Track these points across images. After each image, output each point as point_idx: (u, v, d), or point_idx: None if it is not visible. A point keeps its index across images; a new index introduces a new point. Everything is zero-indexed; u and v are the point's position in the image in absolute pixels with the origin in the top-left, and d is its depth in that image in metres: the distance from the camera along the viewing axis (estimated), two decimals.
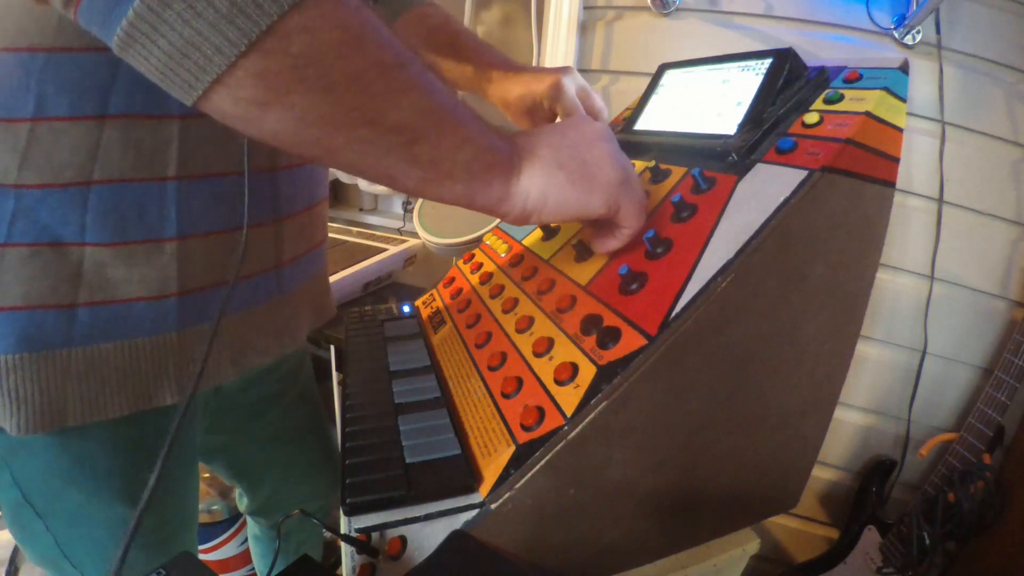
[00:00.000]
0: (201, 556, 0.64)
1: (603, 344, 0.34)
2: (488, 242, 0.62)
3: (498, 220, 0.86)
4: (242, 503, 0.75)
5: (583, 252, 0.44)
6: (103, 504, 0.45)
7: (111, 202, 0.38)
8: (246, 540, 1.08)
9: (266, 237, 0.49)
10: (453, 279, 0.60)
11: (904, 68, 0.41)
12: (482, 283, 0.54)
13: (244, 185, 0.42)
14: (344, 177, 1.30)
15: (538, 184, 0.35)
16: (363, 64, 0.27)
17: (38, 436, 0.40)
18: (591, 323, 0.36)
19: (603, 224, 0.39)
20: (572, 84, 0.55)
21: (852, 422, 1.08)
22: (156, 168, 0.39)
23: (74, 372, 0.39)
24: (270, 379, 0.62)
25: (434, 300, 0.60)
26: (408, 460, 0.34)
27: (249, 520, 0.79)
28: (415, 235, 1.01)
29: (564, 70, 0.56)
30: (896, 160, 0.40)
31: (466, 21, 1.26)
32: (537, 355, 0.38)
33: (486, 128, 0.33)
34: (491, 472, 0.32)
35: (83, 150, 0.36)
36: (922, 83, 0.92)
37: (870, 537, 1.04)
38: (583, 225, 0.46)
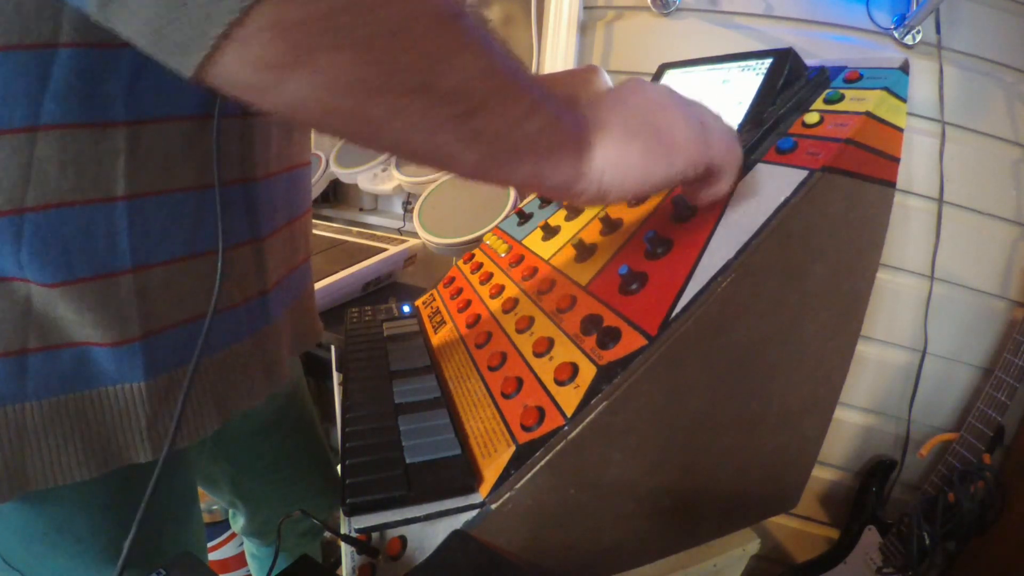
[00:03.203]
0: None
1: (603, 344, 0.34)
2: (488, 242, 0.62)
3: (499, 220, 0.86)
4: (237, 523, 0.73)
5: (583, 252, 0.44)
6: (92, 566, 0.41)
7: (49, 233, 0.31)
8: None
9: (245, 259, 0.42)
10: (453, 279, 0.60)
11: (904, 68, 0.41)
12: (482, 283, 0.54)
13: (215, 200, 0.36)
14: (344, 177, 1.30)
15: (613, 159, 0.30)
16: (408, 11, 0.22)
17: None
18: (591, 323, 0.36)
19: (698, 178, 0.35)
20: (605, 79, 0.52)
21: (852, 422, 1.08)
22: (101, 187, 0.32)
23: (31, 430, 0.34)
24: (269, 406, 0.57)
25: (434, 300, 0.60)
26: (408, 460, 0.34)
27: (245, 539, 0.78)
28: (415, 235, 1.01)
29: (592, 67, 0.52)
30: (896, 160, 0.40)
31: None
32: (537, 355, 0.38)
33: (550, 95, 0.28)
34: (491, 472, 0.32)
35: (13, 170, 0.30)
36: (922, 83, 0.92)
37: (870, 537, 1.04)
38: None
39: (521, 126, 0.27)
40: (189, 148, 0.35)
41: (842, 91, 0.41)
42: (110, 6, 0.19)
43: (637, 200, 0.45)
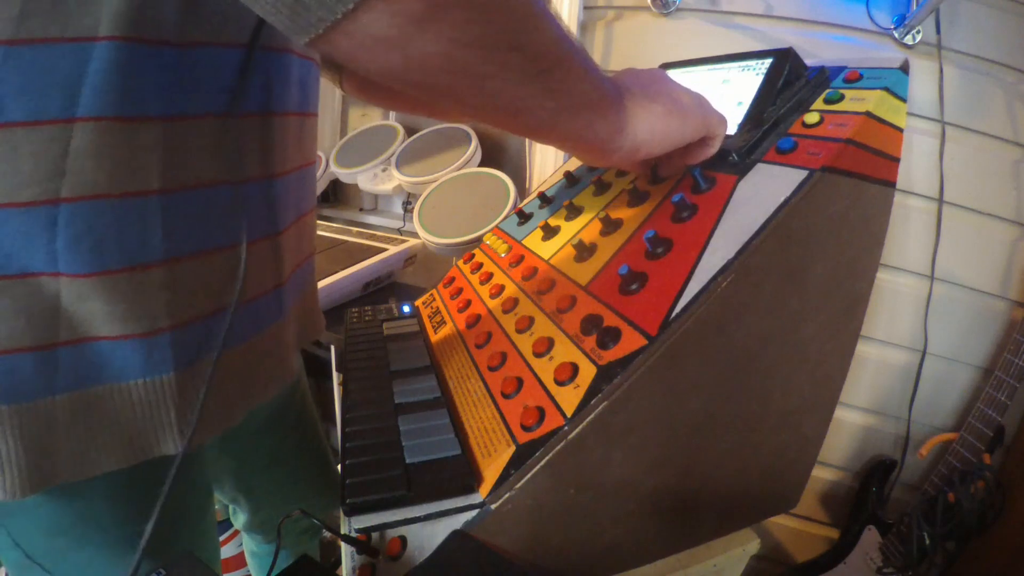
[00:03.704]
0: None
1: (603, 344, 0.34)
2: (488, 242, 0.62)
3: (499, 220, 0.86)
4: (238, 520, 0.73)
5: (583, 252, 0.44)
6: (115, 558, 0.41)
7: (83, 224, 0.32)
8: None
9: (264, 253, 0.43)
10: (453, 279, 0.60)
11: (904, 68, 0.41)
12: (482, 283, 0.54)
13: (241, 195, 0.38)
14: (344, 177, 1.30)
15: (642, 117, 0.36)
16: None
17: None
18: (591, 323, 0.36)
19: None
20: None
21: (852, 422, 1.08)
22: (136, 180, 0.33)
23: (61, 423, 0.34)
24: (272, 402, 0.57)
25: (434, 300, 0.60)
26: (408, 460, 0.34)
27: (245, 536, 0.78)
28: (415, 235, 1.01)
29: None
30: (896, 160, 0.40)
31: None
32: (537, 355, 0.38)
33: (593, 61, 0.33)
34: (491, 472, 0.32)
35: (48, 162, 0.30)
36: (922, 83, 0.92)
37: (870, 537, 1.04)
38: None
39: (581, 84, 0.32)
40: (218, 145, 0.37)
41: (842, 91, 0.41)
42: None
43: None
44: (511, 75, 0.28)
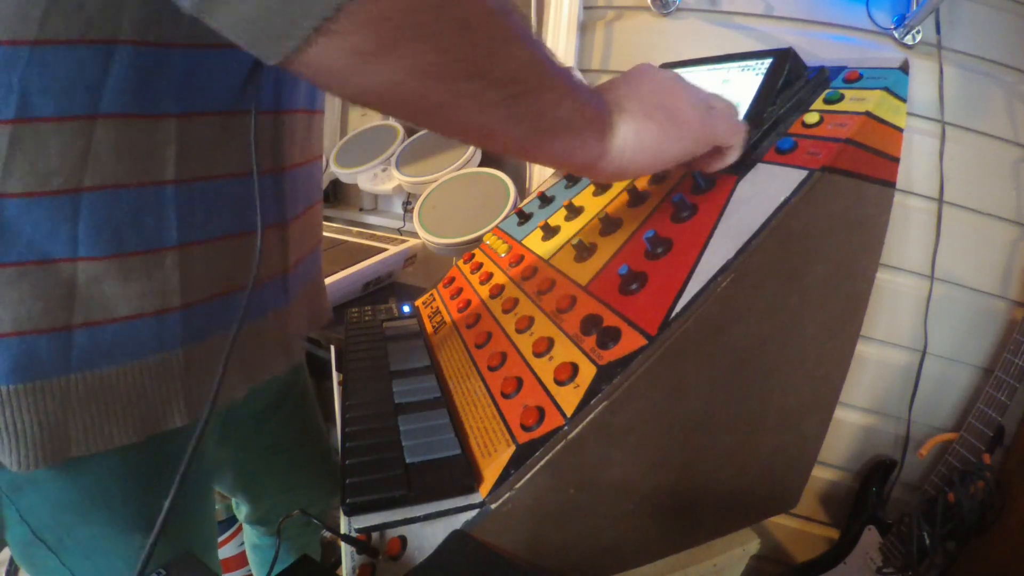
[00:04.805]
0: None
1: (603, 344, 0.34)
2: (488, 242, 0.62)
3: (499, 220, 0.86)
4: (240, 512, 0.74)
5: (583, 252, 0.44)
6: (119, 535, 0.43)
7: (104, 211, 0.35)
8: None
9: (272, 241, 0.47)
10: (453, 279, 0.60)
11: (904, 68, 0.41)
12: (482, 283, 0.54)
13: (252, 186, 0.39)
14: (344, 177, 1.30)
15: (632, 138, 0.35)
16: (470, 9, 0.25)
17: (42, 470, 0.37)
18: (591, 323, 0.36)
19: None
20: None
21: (852, 422, 1.08)
22: (153, 172, 0.36)
23: (74, 401, 0.36)
24: (272, 387, 0.60)
25: (434, 300, 0.60)
26: (408, 460, 0.34)
27: (247, 528, 0.79)
28: (415, 235, 1.01)
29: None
30: (896, 160, 0.40)
31: None
32: (537, 355, 0.38)
33: (578, 82, 0.33)
34: (491, 472, 0.32)
35: (72, 154, 0.33)
36: (922, 83, 0.92)
37: (870, 537, 1.04)
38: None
39: (556, 109, 0.31)
40: (230, 140, 0.39)
41: (842, 91, 0.41)
42: (210, 3, 0.22)
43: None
44: (469, 103, 0.28)
